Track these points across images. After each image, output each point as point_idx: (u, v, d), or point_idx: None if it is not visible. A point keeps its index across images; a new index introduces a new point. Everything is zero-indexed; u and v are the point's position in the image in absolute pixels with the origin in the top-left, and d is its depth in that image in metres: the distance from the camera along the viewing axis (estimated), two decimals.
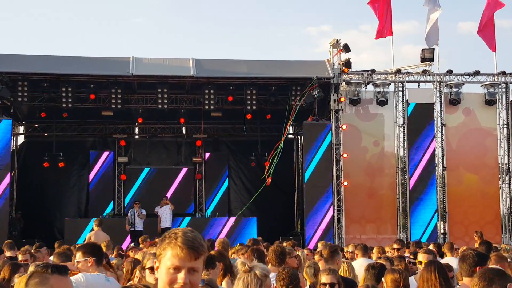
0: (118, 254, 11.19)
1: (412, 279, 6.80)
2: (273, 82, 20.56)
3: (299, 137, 24.10)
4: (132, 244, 14.89)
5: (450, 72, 20.87)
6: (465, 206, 20.63)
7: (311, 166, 19.97)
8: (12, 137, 21.53)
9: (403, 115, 20.69)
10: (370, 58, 70.61)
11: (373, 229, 20.52)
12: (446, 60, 71.86)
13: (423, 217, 20.24)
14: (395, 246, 10.24)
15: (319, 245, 12.98)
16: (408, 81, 20.95)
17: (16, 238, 19.10)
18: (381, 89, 20.63)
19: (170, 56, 20.93)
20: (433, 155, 20.57)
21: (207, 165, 23.83)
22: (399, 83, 20.84)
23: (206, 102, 20.11)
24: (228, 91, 20.61)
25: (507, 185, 20.94)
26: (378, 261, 7.35)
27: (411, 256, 9.35)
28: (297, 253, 9.35)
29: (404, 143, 20.64)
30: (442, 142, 20.78)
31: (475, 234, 15.56)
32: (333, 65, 20.24)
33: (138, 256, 8.27)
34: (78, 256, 5.86)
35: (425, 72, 20.76)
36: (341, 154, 19.94)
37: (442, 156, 20.76)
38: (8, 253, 10.01)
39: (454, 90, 20.84)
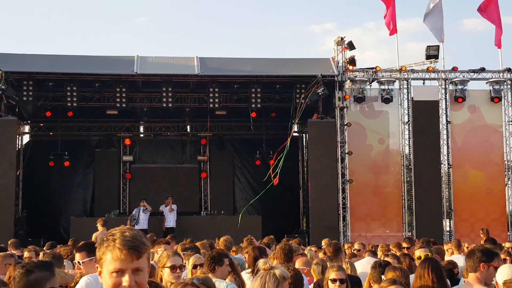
0: None
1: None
2: (277, 80, 20.55)
3: (304, 135, 24.08)
4: None
5: (455, 69, 20.81)
6: (471, 203, 20.58)
7: (316, 164, 19.93)
8: (18, 136, 21.59)
9: (408, 112, 20.64)
10: (375, 55, 70.49)
11: (379, 227, 20.50)
12: (451, 57, 71.77)
13: (429, 215, 20.18)
14: (405, 245, 10.21)
15: (323, 243, 12.97)
16: (413, 79, 20.90)
17: (22, 237, 19.18)
18: (386, 87, 20.58)
19: (173, 55, 20.95)
20: (438, 152, 20.51)
21: (212, 163, 23.84)
22: (404, 81, 20.79)
23: (211, 100, 20.12)
24: (232, 89, 20.60)
25: None
26: (386, 258, 7.36)
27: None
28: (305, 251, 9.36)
29: (409, 140, 20.60)
30: (447, 140, 20.73)
31: (481, 232, 15.54)
32: (338, 63, 20.20)
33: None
34: (82, 256, 5.79)
35: (429, 70, 20.69)
36: (347, 151, 19.90)
37: (448, 153, 20.70)
38: (13, 252, 10.04)
39: (459, 87, 20.77)
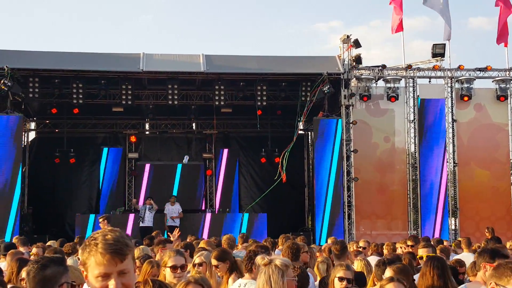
0: None
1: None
2: (283, 78, 20.53)
3: (309, 133, 24.07)
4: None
5: (461, 67, 20.76)
6: (476, 202, 20.54)
7: (321, 162, 19.92)
8: (23, 133, 21.67)
9: (414, 110, 20.61)
10: (381, 53, 70.34)
11: (384, 225, 20.48)
12: (457, 56, 71.54)
13: (434, 213, 20.16)
14: (409, 243, 10.20)
15: (329, 241, 12.98)
16: (419, 77, 20.85)
17: (28, 233, 19.24)
18: (392, 85, 20.55)
19: (179, 52, 20.96)
20: (444, 151, 20.48)
21: (217, 161, 23.86)
22: (410, 79, 20.75)
23: (217, 98, 20.13)
24: (238, 87, 20.60)
25: None
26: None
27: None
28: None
29: (415, 138, 20.57)
30: (453, 138, 20.69)
31: (486, 230, 15.49)
32: (344, 61, 20.18)
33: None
34: None
35: (435, 68, 20.65)
36: (352, 150, 19.88)
37: (453, 151, 20.67)
38: (21, 249, 10.12)
39: (465, 85, 20.72)
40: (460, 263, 7.85)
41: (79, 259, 5.95)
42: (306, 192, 24.10)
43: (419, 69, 20.84)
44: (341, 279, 5.91)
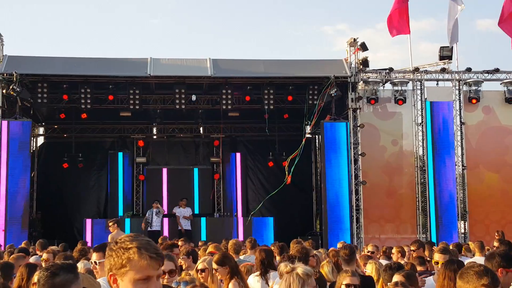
0: None
1: (430, 279, 6.77)
2: (290, 82, 20.52)
3: (316, 136, 24.04)
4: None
5: (469, 69, 20.69)
6: (485, 205, 20.42)
7: (329, 166, 19.87)
8: (32, 138, 21.76)
9: (422, 113, 20.55)
10: (387, 56, 70.22)
11: (393, 229, 20.38)
12: (464, 58, 71.30)
13: (443, 217, 20.06)
14: (413, 248, 10.18)
15: (339, 245, 12.93)
16: (427, 79, 20.79)
17: (37, 238, 19.29)
18: (399, 88, 20.50)
19: (187, 57, 21.01)
20: (452, 154, 20.39)
21: (225, 165, 23.88)
22: (417, 82, 20.69)
23: (224, 102, 20.13)
24: (245, 90, 20.61)
25: None
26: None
27: (428, 258, 9.31)
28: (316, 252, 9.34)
29: (423, 141, 20.50)
30: (461, 141, 20.60)
31: (496, 234, 15.42)
32: (351, 64, 20.15)
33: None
34: (99, 256, 5.83)
35: (443, 70, 20.60)
36: (360, 153, 19.82)
37: (462, 154, 20.57)
38: (40, 253, 10.19)
39: (473, 88, 20.64)
40: None
41: (96, 263, 5.94)
42: (314, 196, 24.06)
43: (426, 72, 20.78)
44: (348, 286, 5.89)
